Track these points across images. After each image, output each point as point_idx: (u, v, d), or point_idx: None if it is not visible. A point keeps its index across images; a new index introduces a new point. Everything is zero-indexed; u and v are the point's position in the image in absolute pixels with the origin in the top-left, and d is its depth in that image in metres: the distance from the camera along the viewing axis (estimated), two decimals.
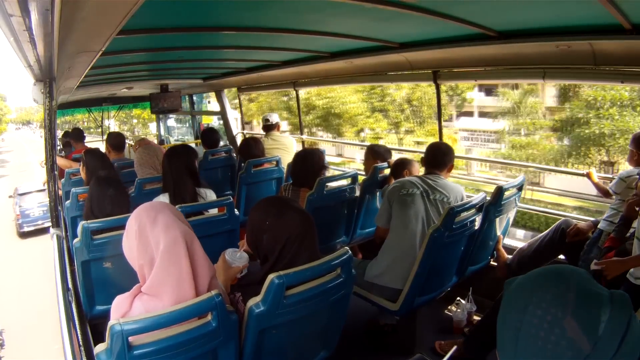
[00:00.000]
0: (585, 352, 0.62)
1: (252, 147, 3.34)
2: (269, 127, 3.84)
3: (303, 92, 15.43)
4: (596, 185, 2.40)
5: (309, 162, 2.47)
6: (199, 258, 1.12)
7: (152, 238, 1.09)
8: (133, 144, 2.92)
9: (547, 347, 0.65)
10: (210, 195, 2.24)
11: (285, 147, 3.74)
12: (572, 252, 2.15)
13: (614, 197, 2.16)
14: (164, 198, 2.11)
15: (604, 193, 2.29)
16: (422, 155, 2.27)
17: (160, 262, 1.07)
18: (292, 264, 1.21)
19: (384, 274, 1.97)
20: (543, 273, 0.69)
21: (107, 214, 1.87)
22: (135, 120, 29.75)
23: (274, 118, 3.87)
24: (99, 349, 0.99)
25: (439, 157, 2.16)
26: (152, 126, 28.03)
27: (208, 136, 4.08)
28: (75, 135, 4.46)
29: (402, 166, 2.47)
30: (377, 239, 2.17)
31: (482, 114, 17.67)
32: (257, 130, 14.95)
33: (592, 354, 0.62)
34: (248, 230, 1.29)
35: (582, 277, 0.66)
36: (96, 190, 1.95)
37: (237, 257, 1.31)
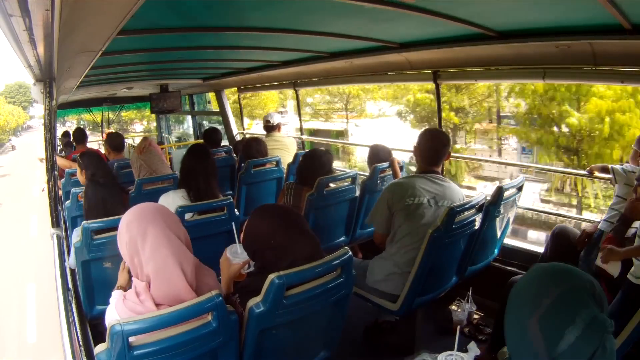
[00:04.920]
0: None
1: (255, 147, 3.34)
2: (269, 128, 3.84)
3: None
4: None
5: (318, 161, 2.46)
6: (193, 271, 1.12)
7: (142, 253, 1.09)
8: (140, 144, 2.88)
9: (519, 344, 0.66)
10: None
11: (285, 148, 3.74)
12: (571, 253, 2.15)
13: (615, 186, 2.17)
14: (174, 195, 2.11)
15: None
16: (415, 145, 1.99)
17: (154, 280, 1.08)
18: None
19: (386, 280, 1.91)
20: (545, 269, 0.70)
21: (104, 215, 1.85)
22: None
23: (275, 119, 3.87)
24: (99, 349, 0.99)
25: (440, 149, 1.92)
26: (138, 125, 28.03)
27: (211, 135, 4.08)
28: (78, 136, 4.46)
29: None
30: (377, 243, 2.06)
31: None
32: None
33: None
34: (248, 238, 1.25)
35: (575, 288, 0.64)
36: (89, 193, 1.94)
37: (238, 252, 1.31)
